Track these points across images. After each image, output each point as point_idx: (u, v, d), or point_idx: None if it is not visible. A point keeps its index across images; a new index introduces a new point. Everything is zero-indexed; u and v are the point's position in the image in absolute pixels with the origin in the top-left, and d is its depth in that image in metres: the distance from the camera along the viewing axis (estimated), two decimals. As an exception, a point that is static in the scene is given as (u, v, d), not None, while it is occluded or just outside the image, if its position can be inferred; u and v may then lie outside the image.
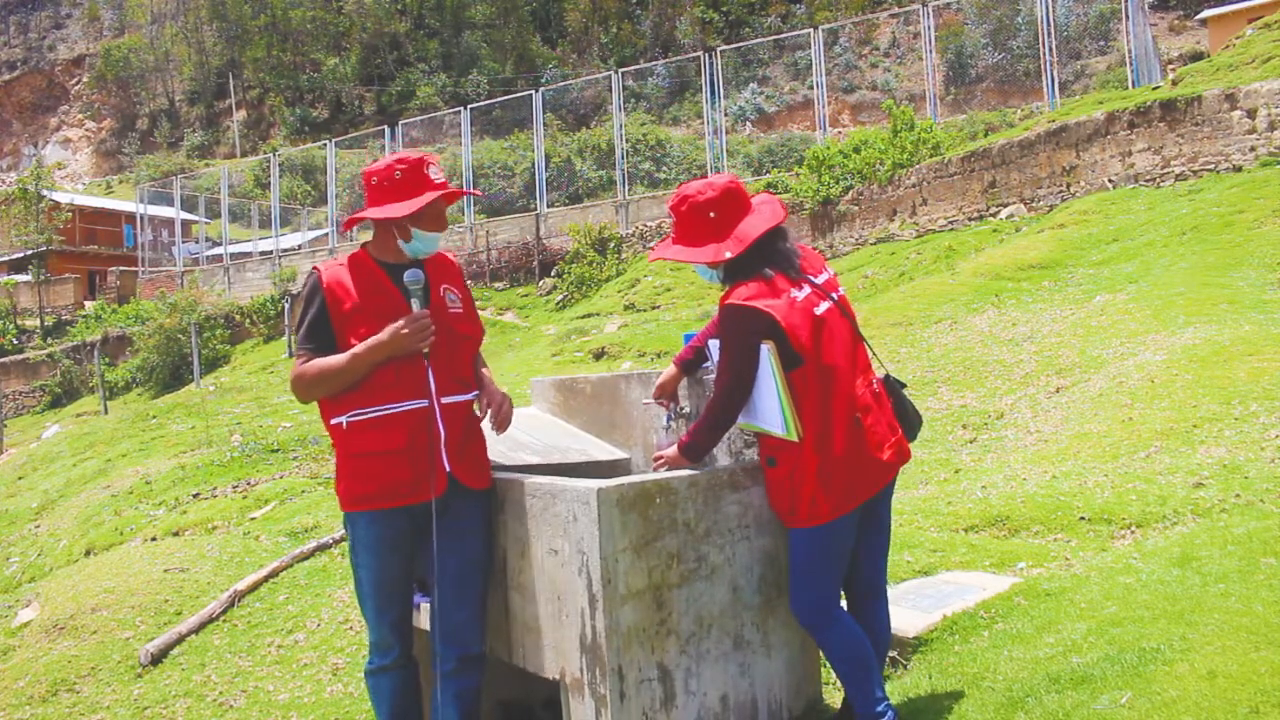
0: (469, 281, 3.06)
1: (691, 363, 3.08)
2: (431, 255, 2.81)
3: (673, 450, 2.80)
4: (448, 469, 2.69)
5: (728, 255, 2.64)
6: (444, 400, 2.71)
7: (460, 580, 2.73)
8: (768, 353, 2.57)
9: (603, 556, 2.46)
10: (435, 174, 2.74)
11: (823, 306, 2.66)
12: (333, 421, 2.71)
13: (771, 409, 2.61)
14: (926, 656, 3.20)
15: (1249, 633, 2.61)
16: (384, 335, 2.62)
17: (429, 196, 2.69)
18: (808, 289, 2.66)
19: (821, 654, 3.03)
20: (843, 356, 2.66)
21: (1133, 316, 7.93)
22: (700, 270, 2.81)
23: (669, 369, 3.11)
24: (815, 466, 2.59)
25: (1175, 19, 32.51)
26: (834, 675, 3.14)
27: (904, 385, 2.89)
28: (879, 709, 2.63)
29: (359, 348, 2.63)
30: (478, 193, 3.21)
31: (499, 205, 27.58)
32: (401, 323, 2.63)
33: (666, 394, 3.10)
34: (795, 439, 2.59)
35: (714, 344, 2.89)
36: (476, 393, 2.86)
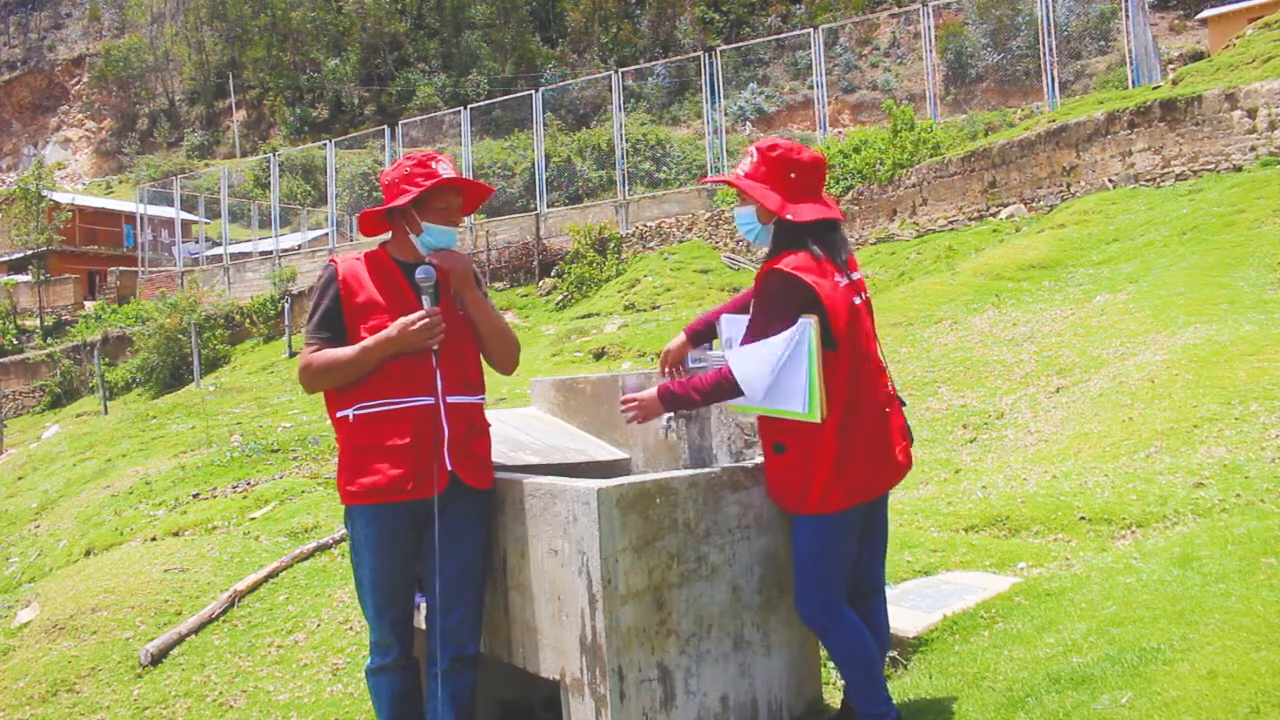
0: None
1: (702, 334, 2.99)
2: (446, 252, 2.81)
3: (651, 393, 2.73)
4: (449, 467, 2.69)
5: (789, 216, 2.59)
6: (449, 399, 2.72)
7: (457, 580, 2.74)
8: (809, 327, 2.51)
9: (603, 556, 2.46)
10: (444, 169, 2.76)
11: (857, 300, 2.66)
12: (339, 414, 2.73)
13: (796, 386, 2.53)
14: (926, 656, 3.20)
15: (1249, 633, 2.61)
16: (393, 330, 2.64)
17: (429, 184, 2.71)
18: (847, 280, 2.64)
19: (823, 654, 3.03)
20: (874, 350, 2.66)
21: (1133, 316, 7.93)
22: (747, 218, 2.72)
23: (678, 337, 3.02)
24: (834, 453, 2.53)
25: (1175, 19, 32.52)
26: (834, 675, 3.14)
27: (903, 403, 2.86)
28: (882, 709, 2.63)
29: (369, 341, 2.65)
30: (488, 186, 3.01)
31: (499, 205, 27.57)
32: (412, 317, 2.64)
33: (671, 363, 3.01)
34: (817, 420, 2.52)
35: (727, 319, 2.83)
36: (483, 396, 2.87)
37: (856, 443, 2.55)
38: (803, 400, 2.52)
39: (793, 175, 2.63)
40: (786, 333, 2.53)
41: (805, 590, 2.66)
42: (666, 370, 3.02)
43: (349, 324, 2.71)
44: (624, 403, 2.81)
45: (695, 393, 2.68)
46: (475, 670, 2.79)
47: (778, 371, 2.55)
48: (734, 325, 2.78)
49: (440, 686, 2.73)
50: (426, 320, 2.64)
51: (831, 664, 3.23)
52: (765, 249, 2.72)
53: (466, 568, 2.75)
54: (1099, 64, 28.59)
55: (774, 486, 2.68)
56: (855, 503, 2.58)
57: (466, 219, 23.41)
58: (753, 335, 2.59)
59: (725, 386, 2.63)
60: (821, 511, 2.57)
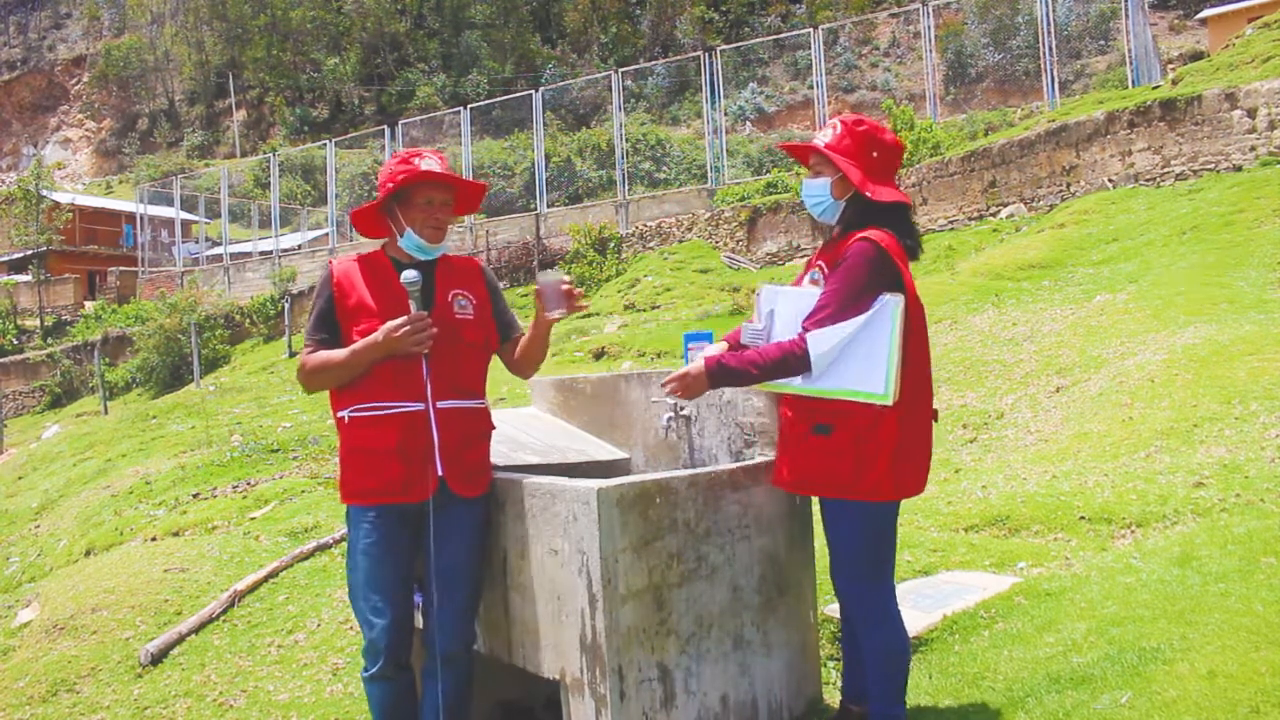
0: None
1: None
2: (438, 254, 2.79)
3: (698, 366, 2.53)
4: (440, 473, 2.67)
5: (869, 194, 2.51)
6: (439, 405, 2.69)
7: (449, 582, 2.72)
8: (895, 305, 2.42)
9: (603, 556, 2.46)
10: (425, 163, 2.70)
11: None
12: (337, 414, 2.74)
13: (871, 368, 2.41)
14: (927, 656, 3.20)
15: (1249, 632, 2.61)
16: (378, 335, 2.62)
17: (401, 177, 2.67)
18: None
19: (823, 654, 3.03)
20: (928, 353, 2.60)
21: (1133, 316, 7.93)
22: (819, 191, 2.61)
23: (718, 346, 2.74)
24: (897, 440, 2.44)
25: (1175, 18, 32.53)
26: (834, 675, 3.14)
27: None
28: (898, 711, 2.60)
29: (358, 344, 2.64)
30: (475, 183, 2.90)
31: (499, 205, 27.57)
32: (396, 323, 2.61)
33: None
34: (889, 402, 2.40)
35: (768, 289, 2.66)
36: (480, 401, 2.83)
37: (914, 437, 2.51)
38: (879, 382, 2.39)
39: (875, 154, 2.56)
40: (867, 313, 2.41)
41: (855, 580, 2.59)
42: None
43: (342, 325, 2.70)
44: (665, 381, 2.61)
45: (753, 367, 2.48)
46: (468, 670, 2.78)
47: (850, 350, 2.42)
48: (776, 297, 2.61)
49: (429, 688, 2.72)
50: (409, 326, 2.60)
51: (831, 664, 3.23)
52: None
53: (461, 568, 2.74)
54: (1099, 64, 28.58)
55: (812, 469, 2.52)
56: (903, 496, 2.55)
57: (466, 219, 23.40)
58: (836, 305, 2.43)
59: (791, 362, 2.44)
60: (873, 499, 2.49)
